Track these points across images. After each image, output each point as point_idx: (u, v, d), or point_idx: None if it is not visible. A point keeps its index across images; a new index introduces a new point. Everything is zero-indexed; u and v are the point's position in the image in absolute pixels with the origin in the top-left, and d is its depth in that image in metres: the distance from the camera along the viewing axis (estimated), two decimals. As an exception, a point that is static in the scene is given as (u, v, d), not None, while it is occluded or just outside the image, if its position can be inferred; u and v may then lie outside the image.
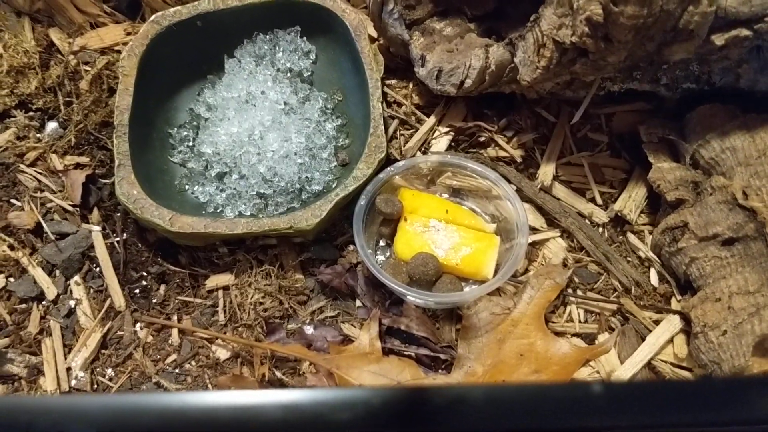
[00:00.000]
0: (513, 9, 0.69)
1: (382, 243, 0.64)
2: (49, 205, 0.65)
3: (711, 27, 0.55)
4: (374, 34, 0.71)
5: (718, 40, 0.55)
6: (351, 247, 0.64)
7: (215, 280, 0.63)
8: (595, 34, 0.53)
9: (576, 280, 0.63)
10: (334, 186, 0.65)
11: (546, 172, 0.66)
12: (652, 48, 0.56)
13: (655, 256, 0.64)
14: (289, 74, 0.69)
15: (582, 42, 0.53)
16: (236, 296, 0.62)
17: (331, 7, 0.66)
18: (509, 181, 0.64)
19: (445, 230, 0.62)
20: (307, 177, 0.65)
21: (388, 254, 0.63)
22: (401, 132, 0.69)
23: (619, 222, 0.65)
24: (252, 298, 0.62)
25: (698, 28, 0.54)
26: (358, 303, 0.62)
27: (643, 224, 0.65)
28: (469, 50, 0.63)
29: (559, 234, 0.65)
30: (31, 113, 0.69)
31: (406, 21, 0.66)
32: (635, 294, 0.62)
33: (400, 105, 0.70)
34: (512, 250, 0.60)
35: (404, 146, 0.68)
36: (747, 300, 0.56)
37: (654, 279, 0.63)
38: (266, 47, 0.68)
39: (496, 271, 0.60)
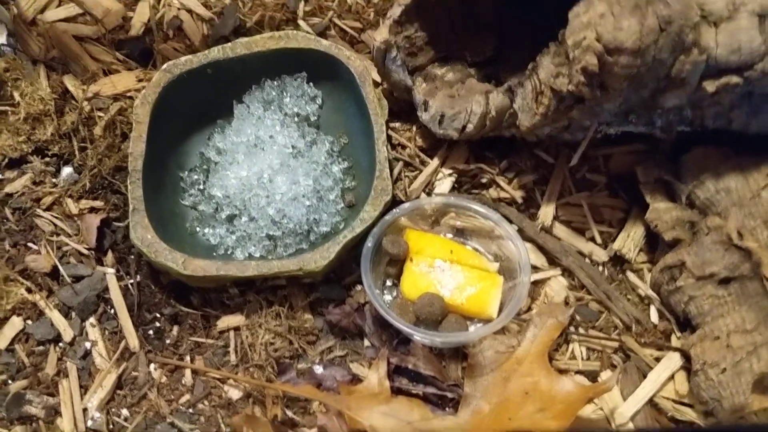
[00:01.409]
0: (511, 54, 0.72)
1: (389, 282, 0.66)
2: (65, 248, 0.67)
3: (702, 74, 0.57)
4: (378, 79, 0.73)
5: (710, 87, 0.57)
6: (358, 287, 0.66)
7: (226, 321, 0.65)
8: (591, 83, 0.55)
9: (578, 317, 0.65)
10: (341, 227, 0.67)
11: (546, 212, 0.68)
12: (646, 94, 0.59)
13: (654, 294, 0.65)
14: (296, 118, 0.71)
15: (578, 90, 0.55)
16: (247, 336, 0.64)
17: (336, 55, 0.68)
18: (511, 222, 0.66)
19: (450, 270, 0.63)
20: (315, 218, 0.67)
21: (395, 293, 0.65)
22: (406, 174, 0.71)
23: (619, 260, 0.67)
24: (262, 338, 0.63)
25: (690, 76, 0.56)
26: (366, 342, 0.64)
27: (642, 262, 0.67)
28: (470, 96, 0.66)
29: (560, 273, 0.67)
30: (47, 159, 0.71)
31: (408, 67, 0.68)
32: (636, 331, 0.64)
33: (404, 147, 0.72)
34: (515, 289, 0.62)
35: (409, 188, 0.70)
36: (745, 338, 0.57)
37: (654, 316, 0.65)
38: (274, 93, 0.71)
39: (500, 310, 0.62)
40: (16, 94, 0.69)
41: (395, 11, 0.68)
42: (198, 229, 0.67)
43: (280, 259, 0.63)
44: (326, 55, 0.69)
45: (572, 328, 0.64)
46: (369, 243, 0.63)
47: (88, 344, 0.63)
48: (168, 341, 0.64)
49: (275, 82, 0.71)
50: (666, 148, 0.69)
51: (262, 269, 0.62)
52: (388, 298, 0.65)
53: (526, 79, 0.60)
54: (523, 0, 0.73)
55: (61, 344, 0.63)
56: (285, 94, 0.71)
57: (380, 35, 0.67)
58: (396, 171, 0.71)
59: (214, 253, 0.66)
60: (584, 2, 0.54)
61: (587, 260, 0.67)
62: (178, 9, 0.75)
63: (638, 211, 0.68)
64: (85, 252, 0.67)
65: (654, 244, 0.67)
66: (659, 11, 0.53)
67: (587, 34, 0.53)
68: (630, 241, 0.67)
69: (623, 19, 0.53)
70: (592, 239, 0.68)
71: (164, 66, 0.66)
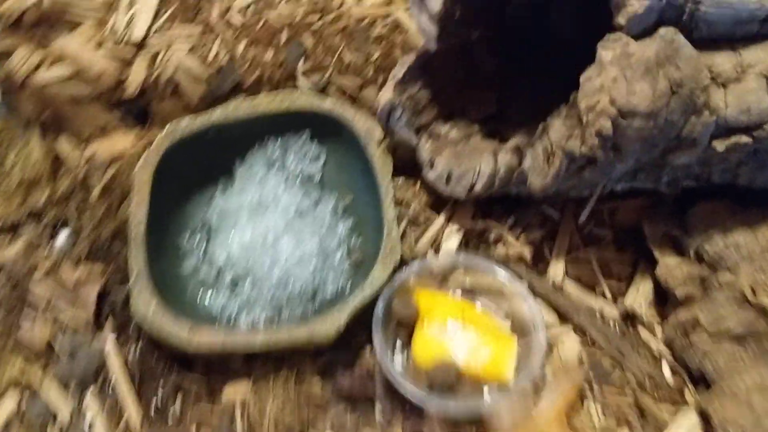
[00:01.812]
0: (513, 111, 0.72)
1: (398, 343, 0.64)
2: (61, 317, 0.64)
3: (712, 134, 0.57)
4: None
5: (720, 146, 0.58)
6: (367, 350, 0.64)
7: (232, 389, 0.62)
8: (604, 146, 0.55)
9: (591, 375, 0.64)
10: (348, 287, 0.66)
11: (556, 269, 0.67)
12: (657, 154, 0.59)
13: (666, 350, 0.65)
14: (300, 177, 0.70)
15: (592, 153, 0.55)
16: (254, 406, 0.61)
17: (340, 115, 0.68)
18: (521, 279, 0.66)
19: (463, 332, 0.62)
20: (320, 279, 0.66)
21: (405, 355, 0.64)
22: (412, 229, 0.70)
23: (629, 316, 0.67)
24: (270, 406, 0.61)
25: (700, 137, 0.57)
26: (377, 408, 0.62)
27: (653, 316, 0.67)
28: (477, 154, 0.66)
29: (572, 330, 0.66)
30: (42, 224, 0.68)
31: (413, 126, 0.68)
32: (650, 388, 0.63)
33: (408, 204, 0.71)
34: (530, 349, 0.61)
35: (415, 245, 0.69)
36: (764, 396, 0.57)
37: (667, 372, 0.64)
38: (277, 152, 0.70)
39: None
40: (9, 158, 0.67)
41: (399, 71, 0.67)
42: (200, 294, 0.66)
43: (288, 329, 0.61)
44: (331, 115, 0.68)
45: (586, 385, 0.63)
46: (379, 307, 0.61)
47: (88, 419, 0.60)
48: (171, 413, 0.61)
49: (278, 142, 0.70)
50: (670, 201, 0.70)
51: (269, 341, 0.60)
52: (398, 359, 0.64)
53: (536, 140, 0.60)
54: (521, 54, 0.73)
55: (59, 419, 0.60)
56: (288, 153, 0.70)
57: (385, 95, 0.67)
58: (401, 228, 0.69)
59: (217, 320, 0.64)
60: (595, 66, 0.55)
61: (598, 316, 0.66)
62: (175, 68, 0.73)
63: (646, 265, 0.68)
64: (83, 321, 0.64)
65: (664, 298, 0.67)
66: (670, 74, 0.53)
67: (601, 97, 0.53)
68: (639, 296, 0.67)
69: (636, 83, 0.53)
70: (603, 295, 0.68)
71: (166, 129, 0.65)
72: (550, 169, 0.58)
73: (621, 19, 0.53)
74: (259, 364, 0.63)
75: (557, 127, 0.57)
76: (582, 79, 0.55)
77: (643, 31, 0.55)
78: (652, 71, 0.53)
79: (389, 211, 0.65)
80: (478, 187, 0.64)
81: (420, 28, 0.64)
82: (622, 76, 0.53)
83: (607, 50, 0.54)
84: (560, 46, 0.72)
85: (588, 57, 0.56)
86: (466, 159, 0.65)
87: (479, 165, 0.64)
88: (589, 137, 0.55)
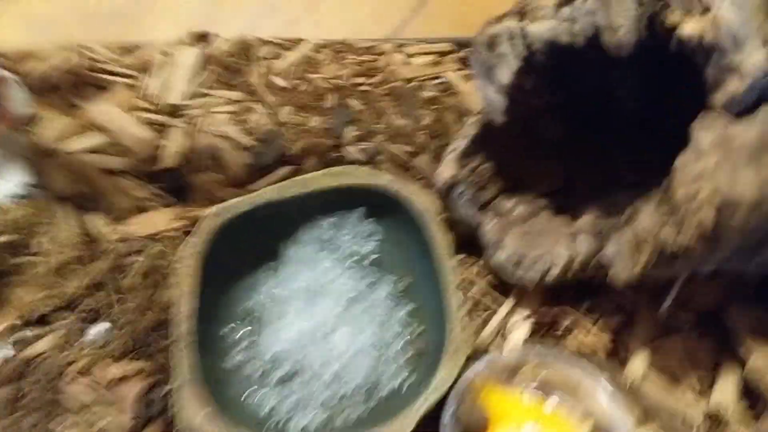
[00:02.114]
0: (582, 184, 0.67)
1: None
2: (99, 423, 0.58)
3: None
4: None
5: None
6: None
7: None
8: (704, 236, 0.50)
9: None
10: (406, 383, 0.60)
11: (635, 363, 0.61)
12: (753, 243, 0.53)
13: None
14: (353, 259, 0.65)
15: (689, 244, 0.50)
16: None
17: (398, 192, 0.63)
18: (600, 373, 0.60)
19: (539, 439, 0.57)
20: (377, 375, 0.60)
21: (474, 463, 0.58)
22: (477, 314, 0.64)
23: (714, 419, 0.61)
24: None
25: (805, 224, 0.51)
26: None
27: (741, 415, 0.61)
28: (549, 235, 0.60)
29: (658, 429, 0.60)
30: (75, 315, 0.63)
31: (477, 203, 0.63)
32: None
33: (470, 287, 0.66)
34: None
35: (478, 335, 0.63)
36: None
37: (756, 484, 0.58)
38: (330, 231, 0.64)
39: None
40: (43, 241, 0.62)
41: (460, 143, 0.62)
42: (245, 395, 0.60)
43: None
44: (388, 192, 0.63)
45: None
46: (446, 416, 0.55)
47: None
48: None
49: (331, 220, 0.65)
50: (754, 282, 0.64)
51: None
52: (465, 469, 0.58)
53: (622, 226, 0.54)
54: (587, 123, 0.68)
55: None
56: (342, 232, 0.65)
57: (446, 170, 0.62)
58: (463, 317, 0.64)
59: (266, 426, 0.58)
60: (692, 150, 0.49)
61: (682, 419, 0.60)
62: (215, 136, 0.68)
63: (731, 356, 0.62)
64: (125, 426, 0.58)
65: (755, 394, 0.61)
66: (777, 160, 0.48)
67: (701, 185, 0.48)
68: (726, 395, 0.61)
69: (740, 171, 0.47)
70: (690, 387, 0.61)
71: (213, 209, 0.60)
72: (639, 259, 0.53)
73: (718, 98, 0.48)
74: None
75: (648, 214, 0.52)
76: (678, 164, 0.50)
77: (743, 110, 0.50)
78: (757, 157, 0.48)
79: (452, 301, 0.59)
80: (552, 274, 0.59)
81: (486, 100, 0.59)
82: (723, 163, 0.48)
83: (705, 132, 0.49)
84: (626, 116, 0.67)
85: (658, 129, 0.51)
86: (538, 241, 0.60)
87: (555, 250, 0.58)
88: (687, 228, 0.49)
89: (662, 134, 0.53)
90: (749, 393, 0.61)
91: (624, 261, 0.54)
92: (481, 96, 0.59)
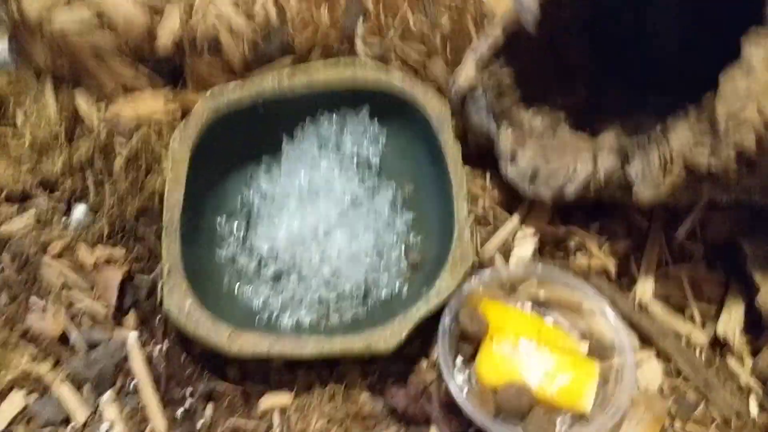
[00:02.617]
0: (605, 100, 0.63)
1: (459, 360, 0.57)
2: (77, 306, 0.55)
3: None
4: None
5: None
6: (423, 364, 0.57)
7: (271, 400, 0.55)
8: (740, 161, 0.47)
9: (672, 409, 0.57)
10: (403, 290, 0.58)
11: (644, 287, 0.60)
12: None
13: (756, 384, 0.58)
14: (355, 160, 0.61)
15: (723, 168, 0.47)
16: (296, 421, 0.54)
17: (410, 92, 0.59)
18: (602, 295, 0.58)
19: (537, 353, 0.55)
20: (374, 279, 0.58)
21: (466, 374, 0.56)
22: (477, 229, 0.62)
23: (719, 343, 0.59)
24: (315, 424, 0.54)
25: None
26: (433, 431, 0.55)
27: (744, 345, 0.60)
28: (568, 150, 0.57)
29: (654, 356, 0.59)
30: (55, 194, 0.59)
31: (494, 111, 0.59)
32: (735, 426, 0.56)
33: (476, 199, 0.63)
34: (610, 376, 0.54)
35: (481, 248, 0.61)
36: None
37: (753, 408, 0.57)
38: (332, 129, 0.61)
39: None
40: (19, 114, 0.57)
41: (482, 46, 0.58)
42: (237, 286, 0.57)
43: (341, 335, 0.53)
44: (398, 91, 0.59)
45: (668, 421, 0.56)
46: (446, 320, 0.54)
47: (104, 426, 0.52)
48: (201, 424, 0.53)
49: (333, 117, 0.61)
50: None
51: (322, 348, 0.52)
52: (459, 378, 0.56)
53: (649, 143, 0.51)
54: (617, 40, 0.64)
55: (72, 425, 0.52)
56: (344, 131, 0.61)
57: (465, 73, 0.57)
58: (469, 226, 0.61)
59: (257, 318, 0.56)
60: (741, 66, 0.46)
61: (685, 343, 0.59)
62: (216, 21, 0.63)
63: (738, 287, 0.61)
64: (102, 312, 0.55)
65: (757, 325, 0.59)
66: (833, 81, 0.44)
67: (746, 104, 0.45)
68: (731, 322, 0.60)
69: (792, 92, 0.44)
70: (691, 318, 0.60)
71: (208, 94, 0.56)
72: (665, 180, 0.50)
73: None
74: (302, 373, 0.56)
75: (681, 133, 0.49)
76: (722, 79, 0.46)
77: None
78: (811, 78, 0.45)
79: (461, 210, 0.56)
80: (569, 190, 0.56)
81: (518, 6, 0.54)
82: (776, 81, 0.44)
83: (757, 48, 0.46)
84: (660, 35, 0.63)
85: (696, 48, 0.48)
86: (556, 156, 0.57)
87: (574, 165, 0.55)
88: (724, 149, 0.46)
89: (696, 72, 0.50)
90: (753, 327, 0.60)
91: (650, 180, 0.51)
92: (515, 3, 0.55)
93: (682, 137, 0.49)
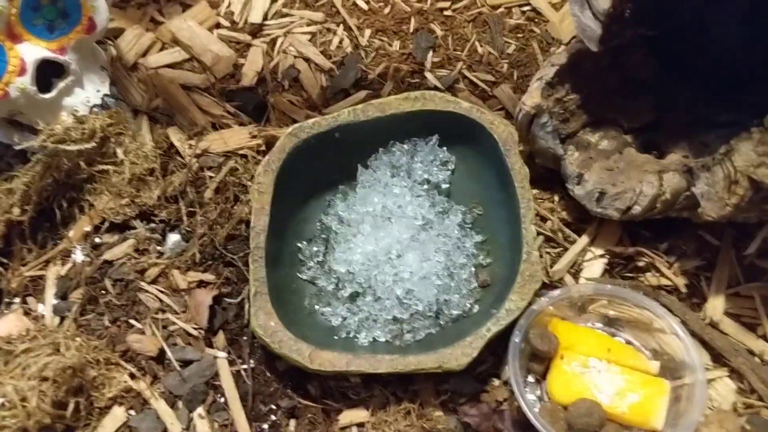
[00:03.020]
0: (670, 120, 0.64)
1: (530, 379, 0.58)
2: (171, 328, 0.60)
3: None
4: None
5: None
6: (495, 382, 0.59)
7: (349, 416, 0.58)
8: (807, 179, 0.47)
9: (747, 427, 0.56)
10: (474, 310, 0.60)
11: (715, 305, 0.60)
12: None
13: (833, 403, 0.57)
14: (426, 186, 0.64)
15: (790, 186, 0.47)
16: (373, 435, 0.56)
17: (478, 119, 0.61)
18: (673, 313, 0.58)
19: (608, 372, 0.56)
20: (445, 299, 0.60)
21: (538, 392, 0.58)
22: (547, 251, 0.63)
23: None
24: (390, 438, 0.56)
25: None
26: (506, 447, 0.57)
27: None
28: (633, 170, 0.58)
29: (727, 374, 0.59)
30: (152, 225, 0.64)
31: (560, 135, 0.61)
32: (813, 446, 0.56)
33: (545, 220, 0.64)
34: (682, 394, 0.54)
35: (551, 268, 0.62)
36: None
37: (830, 427, 0.57)
38: (404, 158, 0.64)
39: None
40: (119, 152, 0.63)
41: (548, 72, 0.60)
42: (317, 307, 0.61)
43: (415, 354, 0.56)
44: (466, 119, 0.61)
45: (741, 439, 0.56)
46: (516, 338, 0.55)
47: (198, 438, 0.57)
48: (284, 437, 0.57)
49: (405, 146, 0.64)
50: None
51: (396, 365, 0.55)
52: (530, 397, 0.58)
53: (715, 164, 0.52)
54: (682, 57, 0.65)
55: (168, 437, 0.57)
56: (415, 159, 0.64)
57: (531, 99, 0.60)
58: (537, 247, 0.63)
59: (335, 336, 0.59)
60: (806, 84, 0.46)
61: (758, 360, 0.59)
62: (295, 57, 0.68)
63: (816, 305, 0.60)
64: (194, 333, 0.60)
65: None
66: None
67: (812, 123, 0.45)
68: (806, 342, 0.59)
69: None
70: (764, 336, 0.60)
71: (290, 129, 0.60)
72: (731, 198, 0.51)
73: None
74: (378, 390, 0.58)
75: (745, 152, 0.50)
76: (786, 98, 0.47)
77: None
78: None
79: (529, 230, 0.58)
80: (636, 210, 0.57)
81: (580, 27, 0.56)
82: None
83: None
84: (725, 52, 0.64)
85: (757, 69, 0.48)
86: (623, 176, 0.58)
87: (641, 185, 0.56)
88: (789, 168, 0.47)
89: (761, 78, 0.50)
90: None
91: (715, 198, 0.52)
92: (575, 23, 0.57)
93: (746, 157, 0.50)
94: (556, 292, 0.58)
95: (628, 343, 0.59)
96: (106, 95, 0.66)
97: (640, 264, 0.62)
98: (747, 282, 0.62)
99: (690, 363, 0.55)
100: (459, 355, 0.55)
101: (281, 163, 0.59)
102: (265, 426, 0.57)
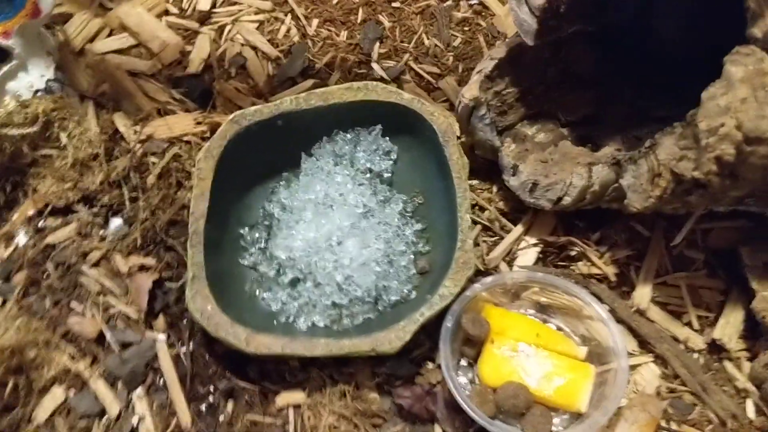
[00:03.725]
0: (607, 114, 0.66)
1: (463, 362, 0.60)
2: (112, 310, 0.61)
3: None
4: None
5: None
6: (429, 365, 0.61)
7: (286, 398, 0.59)
8: (722, 172, 0.49)
9: (669, 410, 0.59)
10: (412, 296, 0.62)
11: (642, 293, 0.62)
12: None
13: (753, 387, 0.60)
14: (368, 175, 0.65)
15: (706, 179, 0.50)
16: (309, 417, 0.58)
17: (418, 110, 0.63)
18: (602, 301, 0.61)
19: (536, 356, 0.58)
20: (384, 286, 0.62)
21: (470, 375, 0.60)
22: (484, 239, 0.65)
23: (716, 348, 0.61)
24: (326, 420, 0.58)
25: (828, 166, 0.50)
26: (437, 429, 0.58)
27: (741, 350, 0.61)
28: (566, 162, 0.60)
29: (652, 359, 0.61)
30: (94, 209, 0.65)
31: (497, 127, 0.62)
32: (731, 428, 0.58)
33: (483, 209, 0.66)
34: (608, 378, 0.56)
35: (487, 255, 0.64)
36: None
37: (750, 411, 0.59)
38: (347, 147, 0.65)
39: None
40: (63, 136, 0.63)
41: (487, 65, 0.62)
42: (258, 292, 0.62)
43: (350, 338, 0.57)
44: (407, 109, 0.63)
45: (664, 422, 0.58)
46: (448, 323, 0.57)
47: (135, 420, 0.57)
48: (222, 418, 0.58)
49: (348, 135, 0.65)
50: (771, 225, 0.64)
51: (331, 348, 0.56)
52: (462, 380, 0.59)
53: (640, 157, 0.54)
54: (620, 54, 0.67)
55: (106, 419, 0.57)
56: (358, 148, 0.65)
57: (469, 92, 0.61)
58: (473, 235, 0.65)
59: (275, 321, 0.61)
60: (722, 83, 0.48)
61: (683, 347, 0.61)
62: (242, 45, 0.68)
63: (738, 294, 0.63)
64: (134, 316, 0.61)
65: (754, 331, 0.61)
66: (807, 97, 0.47)
67: (725, 120, 0.47)
68: (729, 327, 0.62)
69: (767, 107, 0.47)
70: (689, 324, 0.62)
71: (231, 116, 0.61)
72: (654, 191, 0.53)
73: (757, 31, 0.47)
74: (315, 373, 0.60)
75: (668, 146, 0.52)
76: (704, 96, 0.49)
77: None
78: (788, 95, 0.47)
79: (465, 219, 0.60)
80: (566, 201, 0.59)
81: (517, 21, 0.58)
82: (752, 98, 0.47)
83: (737, 66, 0.48)
84: (666, 47, 0.66)
85: (700, 62, 0.50)
86: (556, 168, 0.60)
87: (571, 177, 0.58)
88: (706, 162, 0.49)
89: (700, 74, 0.52)
90: (751, 333, 0.62)
91: (640, 190, 0.54)
92: (513, 17, 0.58)
93: (669, 150, 0.52)
94: (488, 279, 0.60)
95: (559, 329, 0.62)
96: (50, 80, 0.66)
97: (572, 253, 0.64)
98: (675, 272, 0.64)
99: (616, 349, 0.57)
100: (392, 338, 0.56)
101: (222, 149, 0.60)
102: (203, 406, 0.58)
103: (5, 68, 0.64)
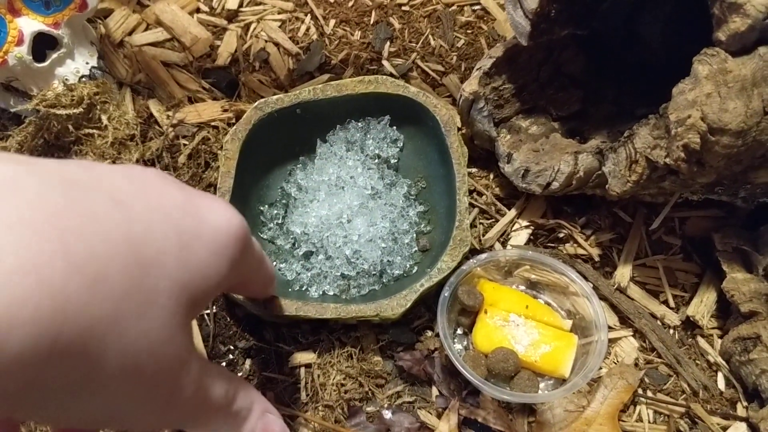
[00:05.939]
0: (595, 111, 0.72)
1: (459, 331, 0.66)
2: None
3: (798, 156, 0.57)
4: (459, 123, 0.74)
5: (805, 169, 0.58)
6: (428, 333, 0.67)
7: (299, 358, 0.65)
8: (689, 159, 0.55)
9: (646, 380, 0.65)
10: (413, 271, 0.68)
11: (623, 273, 0.68)
12: (739, 170, 0.59)
13: (723, 362, 0.66)
14: (377, 160, 0.72)
15: (676, 165, 0.56)
16: (318, 376, 0.64)
17: (423, 102, 0.69)
18: (586, 279, 0.67)
19: (525, 326, 0.64)
20: (388, 261, 0.68)
21: (465, 343, 0.66)
22: (480, 221, 0.71)
23: (690, 325, 0.67)
24: (334, 378, 0.64)
25: (787, 158, 0.57)
26: (434, 390, 0.64)
27: (713, 328, 0.67)
28: (556, 152, 0.66)
29: (631, 333, 0.67)
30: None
31: (494, 119, 0.69)
32: (703, 398, 0.64)
33: (480, 194, 0.72)
34: (590, 349, 0.62)
35: (483, 236, 0.70)
36: (821, 420, 0.57)
37: (721, 383, 0.65)
38: (358, 134, 0.71)
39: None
40: (104, 118, 0.70)
41: (486, 63, 0.68)
42: (275, 263, 0.68)
43: (357, 304, 0.63)
44: (413, 102, 0.69)
45: (640, 390, 0.64)
46: (445, 293, 0.63)
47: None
48: (240, 374, 0.65)
49: (359, 124, 0.72)
50: (744, 215, 0.70)
51: (339, 312, 0.62)
52: (458, 347, 0.66)
53: (620, 146, 0.60)
54: (609, 56, 0.73)
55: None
56: (368, 135, 0.72)
57: (470, 86, 0.68)
58: (470, 218, 0.71)
59: (290, 289, 0.67)
60: (690, 80, 0.55)
61: (659, 323, 0.67)
62: (266, 41, 0.75)
63: (711, 276, 0.69)
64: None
65: (726, 311, 0.67)
66: (765, 94, 0.53)
67: (692, 112, 0.54)
68: (702, 306, 0.67)
69: (729, 101, 0.53)
70: (666, 302, 0.68)
71: (256, 104, 0.67)
72: (631, 176, 0.59)
73: (721, 35, 0.53)
74: (324, 336, 0.66)
75: (643, 136, 0.58)
76: (675, 91, 0.55)
77: (742, 48, 0.55)
78: (747, 90, 0.53)
79: (462, 202, 0.66)
80: (554, 186, 0.65)
81: (513, 24, 0.64)
82: (716, 93, 0.53)
83: (703, 65, 0.54)
84: (650, 52, 0.72)
85: (679, 66, 0.56)
86: (546, 156, 0.66)
87: (558, 164, 0.64)
88: (675, 150, 0.55)
89: (678, 77, 0.58)
90: (723, 312, 0.68)
91: (619, 176, 0.60)
92: (509, 19, 0.65)
93: (645, 140, 0.58)
94: (483, 256, 0.66)
95: (547, 303, 0.68)
96: (94, 67, 0.73)
97: (561, 235, 0.70)
98: (653, 255, 0.70)
99: (597, 323, 0.63)
100: (395, 305, 0.62)
101: (247, 133, 0.67)
102: (223, 363, 0.65)
103: (55, 55, 0.71)
